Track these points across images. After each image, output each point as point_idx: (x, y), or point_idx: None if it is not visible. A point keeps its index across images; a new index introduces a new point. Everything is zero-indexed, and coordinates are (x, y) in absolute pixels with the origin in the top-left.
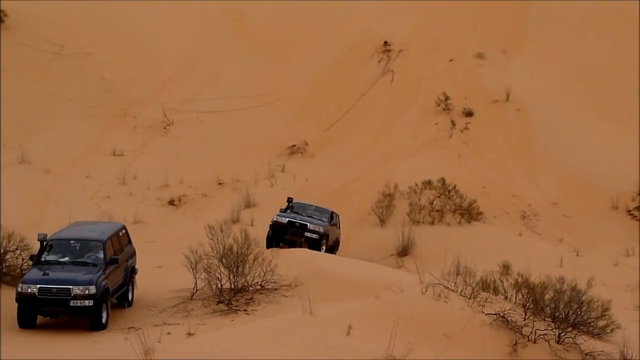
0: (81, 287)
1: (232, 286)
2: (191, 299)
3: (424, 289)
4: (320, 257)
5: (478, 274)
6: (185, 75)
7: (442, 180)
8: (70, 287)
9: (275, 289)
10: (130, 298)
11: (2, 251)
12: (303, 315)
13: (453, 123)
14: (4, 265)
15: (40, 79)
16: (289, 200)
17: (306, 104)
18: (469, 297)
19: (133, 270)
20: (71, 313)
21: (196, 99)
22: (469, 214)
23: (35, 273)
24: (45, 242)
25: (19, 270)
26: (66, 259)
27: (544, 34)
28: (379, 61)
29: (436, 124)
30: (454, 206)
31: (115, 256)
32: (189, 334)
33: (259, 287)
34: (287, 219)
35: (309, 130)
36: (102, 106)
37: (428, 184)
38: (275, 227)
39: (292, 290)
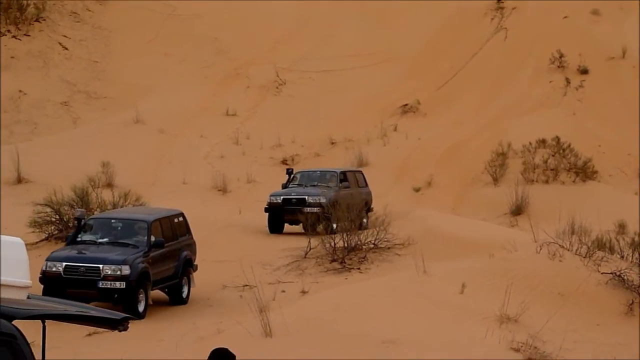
0: (113, 267)
1: (346, 245)
2: (305, 258)
3: (539, 248)
4: (434, 215)
5: (593, 233)
6: (297, 35)
7: (557, 139)
8: (100, 266)
9: (389, 248)
10: (184, 295)
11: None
12: (417, 273)
13: (568, 81)
14: None
15: (153, 40)
16: (289, 171)
17: (418, 62)
18: (584, 256)
19: (189, 264)
20: (101, 296)
21: (308, 58)
22: (584, 172)
23: (64, 251)
24: (82, 220)
25: None
26: (105, 239)
27: None
28: (492, 19)
29: (550, 81)
30: (568, 165)
31: (160, 238)
32: (303, 292)
33: (372, 245)
34: (282, 197)
35: (421, 89)
36: (215, 67)
37: (542, 142)
38: (270, 209)
39: (405, 249)
